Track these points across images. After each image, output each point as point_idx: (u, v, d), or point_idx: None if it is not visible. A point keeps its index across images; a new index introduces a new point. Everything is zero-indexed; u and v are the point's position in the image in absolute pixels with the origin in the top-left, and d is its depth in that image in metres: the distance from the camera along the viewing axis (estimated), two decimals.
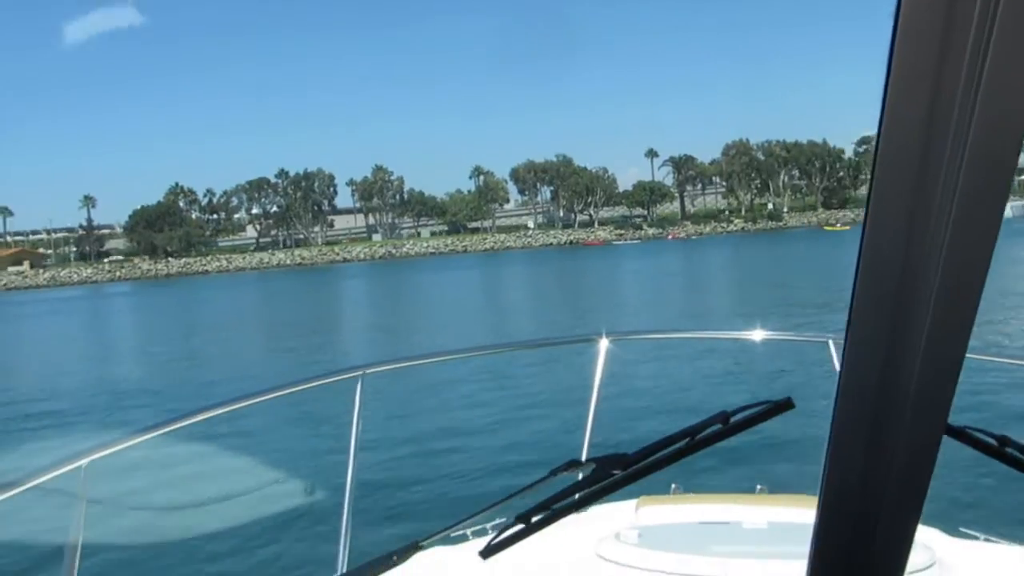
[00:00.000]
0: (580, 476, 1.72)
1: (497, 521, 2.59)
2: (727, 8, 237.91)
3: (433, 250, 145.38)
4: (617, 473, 1.58)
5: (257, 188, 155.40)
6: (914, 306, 0.76)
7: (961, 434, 1.44)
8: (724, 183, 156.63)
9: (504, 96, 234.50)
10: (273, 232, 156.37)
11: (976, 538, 3.61)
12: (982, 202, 0.72)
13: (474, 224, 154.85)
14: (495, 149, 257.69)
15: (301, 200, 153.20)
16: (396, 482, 12.74)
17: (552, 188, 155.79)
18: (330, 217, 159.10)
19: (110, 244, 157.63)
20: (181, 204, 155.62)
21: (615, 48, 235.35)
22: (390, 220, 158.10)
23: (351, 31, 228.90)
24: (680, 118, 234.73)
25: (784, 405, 1.46)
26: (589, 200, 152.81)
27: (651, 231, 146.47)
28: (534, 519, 1.69)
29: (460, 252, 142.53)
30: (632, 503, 3.74)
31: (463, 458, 14.39)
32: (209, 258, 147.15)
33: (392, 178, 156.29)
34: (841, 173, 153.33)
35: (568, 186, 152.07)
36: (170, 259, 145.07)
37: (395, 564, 2.16)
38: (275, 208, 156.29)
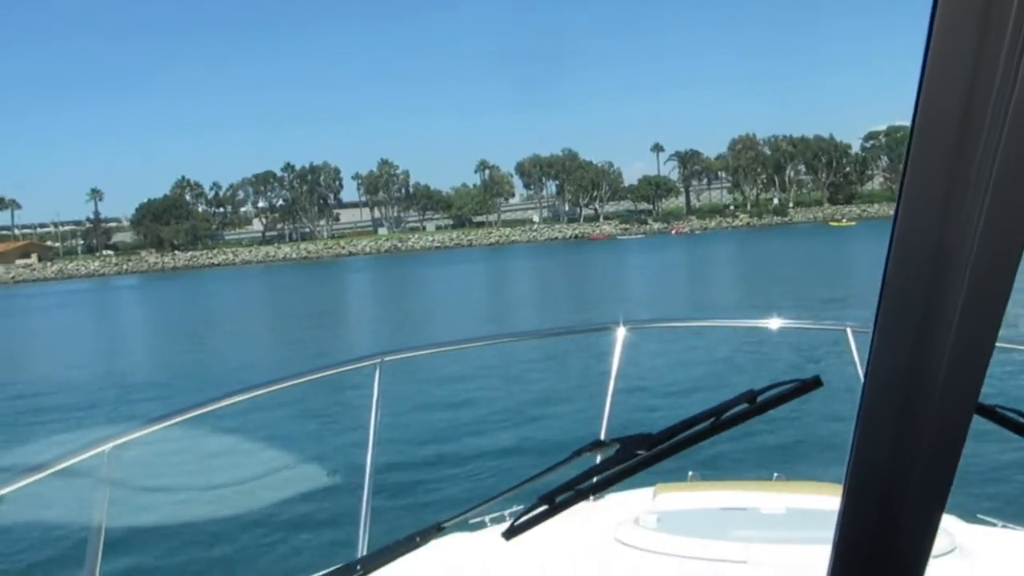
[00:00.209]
0: (604, 457, 1.71)
1: (518, 505, 2.61)
2: (734, 1, 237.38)
3: (438, 244, 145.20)
4: (642, 453, 1.55)
5: (263, 181, 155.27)
6: (945, 289, 0.76)
7: (991, 413, 1.42)
8: (730, 178, 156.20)
9: (510, 90, 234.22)
10: (279, 226, 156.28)
11: (994, 525, 3.64)
12: (1017, 187, 0.72)
13: (479, 218, 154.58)
14: (501, 143, 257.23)
15: (307, 194, 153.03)
16: (416, 466, 12.88)
17: (558, 182, 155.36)
18: (336, 211, 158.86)
19: (117, 237, 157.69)
20: (187, 197, 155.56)
21: (621, 42, 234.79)
22: (395, 214, 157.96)
23: (357, 25, 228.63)
24: (686, 113, 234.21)
25: (812, 383, 1.44)
26: (595, 194, 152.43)
27: (656, 226, 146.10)
28: (558, 499, 1.67)
29: (465, 246, 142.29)
30: (649, 490, 3.76)
31: (482, 443, 14.52)
32: (215, 251, 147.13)
33: (398, 172, 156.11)
34: (848, 168, 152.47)
35: (574, 180, 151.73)
36: (176, 252, 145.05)
37: (417, 546, 2.14)
38: (281, 202, 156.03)
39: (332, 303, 57.84)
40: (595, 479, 1.66)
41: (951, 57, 0.69)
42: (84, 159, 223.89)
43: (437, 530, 2.16)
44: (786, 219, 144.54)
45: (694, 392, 17.25)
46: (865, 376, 0.82)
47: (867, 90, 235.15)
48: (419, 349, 4.95)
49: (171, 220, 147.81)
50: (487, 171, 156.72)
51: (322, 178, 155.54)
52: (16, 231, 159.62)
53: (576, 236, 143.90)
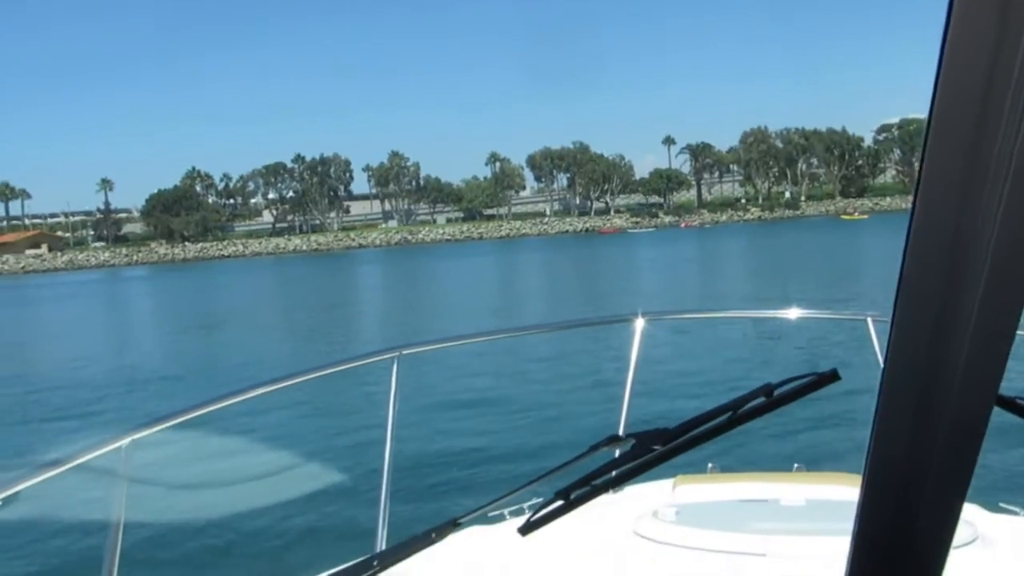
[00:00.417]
0: (620, 452, 1.70)
1: (535, 500, 2.58)
2: None
3: (449, 237, 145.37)
4: (658, 448, 1.55)
5: (273, 173, 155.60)
6: (965, 279, 0.75)
7: (1012, 404, 1.42)
8: (742, 171, 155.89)
9: (521, 82, 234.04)
10: (289, 217, 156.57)
11: (1016, 513, 3.59)
12: None
13: (490, 211, 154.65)
14: (511, 136, 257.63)
15: (317, 185, 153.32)
16: (433, 460, 12.85)
17: (568, 175, 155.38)
18: (346, 203, 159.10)
19: (127, 228, 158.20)
20: (198, 188, 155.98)
21: (633, 35, 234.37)
22: (406, 206, 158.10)
23: (369, 16, 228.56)
24: (698, 105, 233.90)
25: (829, 377, 1.42)
26: (606, 187, 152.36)
27: (667, 219, 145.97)
28: (574, 495, 1.67)
29: (476, 239, 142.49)
30: (668, 482, 3.73)
31: (499, 437, 14.51)
32: (225, 243, 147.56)
33: (408, 164, 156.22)
34: (860, 161, 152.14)
35: (585, 173, 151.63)
36: (186, 243, 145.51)
37: (433, 541, 2.13)
38: (291, 193, 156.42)
39: (344, 296, 57.79)
40: (612, 474, 1.66)
41: (969, 45, 0.68)
42: (95, 149, 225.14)
43: (454, 525, 2.17)
44: (798, 212, 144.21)
45: (712, 384, 17.17)
46: (884, 366, 0.82)
47: (880, 83, 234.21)
48: (436, 343, 4.88)
49: (181, 211, 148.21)
50: (498, 164, 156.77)
51: (332, 170, 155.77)
52: (26, 221, 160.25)
53: (587, 229, 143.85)
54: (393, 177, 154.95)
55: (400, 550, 2.12)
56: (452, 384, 18.24)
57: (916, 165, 0.75)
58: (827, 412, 12.37)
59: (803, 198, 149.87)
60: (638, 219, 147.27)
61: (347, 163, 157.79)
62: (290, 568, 9.55)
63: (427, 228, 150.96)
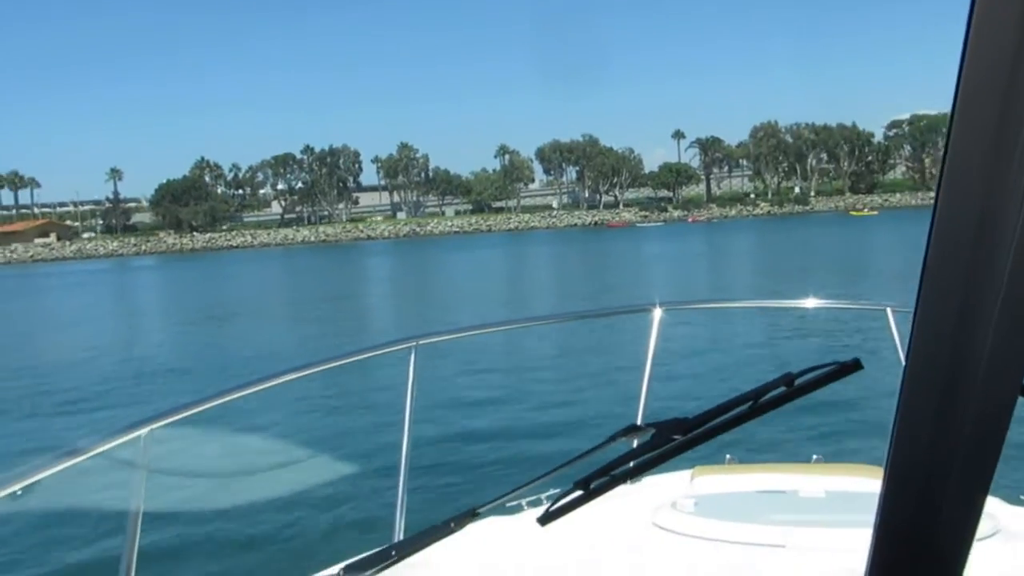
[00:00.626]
0: (639, 442, 1.69)
1: (554, 490, 2.58)
2: None
3: (457, 229, 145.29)
4: (678, 438, 1.53)
5: (283, 164, 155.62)
6: (990, 268, 0.75)
7: None
8: (751, 166, 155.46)
9: (531, 75, 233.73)
10: (298, 208, 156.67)
11: None
12: None
13: (499, 203, 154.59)
14: (521, 128, 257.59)
15: (326, 176, 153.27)
16: (451, 450, 12.83)
17: (578, 168, 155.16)
18: (355, 194, 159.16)
19: (136, 218, 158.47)
20: (207, 179, 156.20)
21: (643, 28, 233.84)
22: (415, 198, 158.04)
23: (378, 7, 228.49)
24: (708, 99, 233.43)
25: (852, 366, 1.41)
26: (615, 181, 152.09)
27: (676, 213, 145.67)
28: (593, 485, 1.66)
29: (484, 231, 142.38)
30: (687, 473, 3.73)
31: (516, 427, 14.47)
32: (234, 233, 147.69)
33: (417, 156, 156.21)
34: (870, 157, 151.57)
35: (594, 166, 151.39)
36: (195, 233, 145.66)
37: (452, 531, 2.14)
38: (300, 184, 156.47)
39: (355, 287, 57.76)
40: (630, 464, 1.65)
41: (994, 34, 0.68)
42: (104, 139, 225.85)
43: (472, 515, 2.18)
44: (807, 208, 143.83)
45: (729, 374, 17.12)
46: (906, 357, 0.82)
47: (891, 78, 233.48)
48: (452, 332, 4.77)
49: (190, 201, 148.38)
50: (507, 156, 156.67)
51: (342, 161, 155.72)
52: (35, 209, 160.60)
53: (595, 223, 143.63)
54: (402, 169, 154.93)
55: (419, 540, 2.12)
56: (469, 374, 18.19)
57: (940, 155, 0.74)
58: (846, 403, 12.30)
59: (813, 193, 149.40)
60: (647, 213, 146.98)
61: (356, 154, 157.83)
62: (308, 557, 9.47)
63: (436, 220, 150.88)
